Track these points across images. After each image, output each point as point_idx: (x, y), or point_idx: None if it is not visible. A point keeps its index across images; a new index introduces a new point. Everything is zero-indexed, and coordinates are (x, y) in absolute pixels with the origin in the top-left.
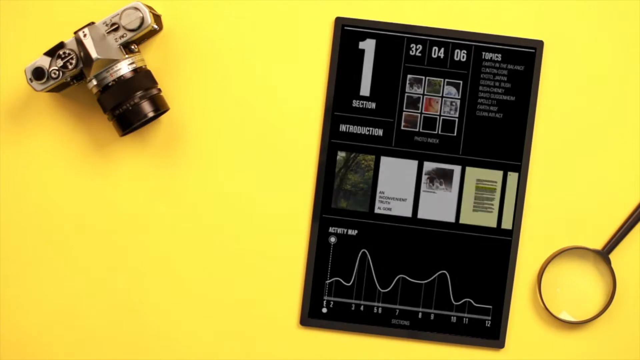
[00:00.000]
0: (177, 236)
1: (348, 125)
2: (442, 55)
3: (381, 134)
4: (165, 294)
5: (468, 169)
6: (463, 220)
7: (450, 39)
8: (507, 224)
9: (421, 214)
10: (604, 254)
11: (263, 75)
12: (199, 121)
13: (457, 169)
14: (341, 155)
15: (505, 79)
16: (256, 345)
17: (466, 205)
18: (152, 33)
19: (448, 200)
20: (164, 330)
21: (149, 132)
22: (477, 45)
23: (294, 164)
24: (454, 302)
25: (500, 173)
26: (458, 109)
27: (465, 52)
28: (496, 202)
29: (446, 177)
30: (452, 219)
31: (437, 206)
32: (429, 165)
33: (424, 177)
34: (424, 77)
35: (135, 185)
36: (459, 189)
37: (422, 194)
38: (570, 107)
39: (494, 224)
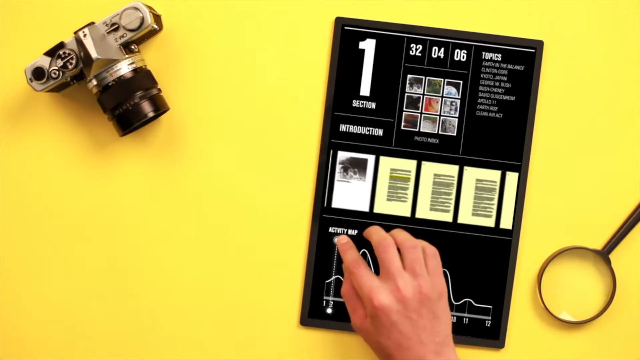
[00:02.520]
0: (177, 236)
1: (348, 125)
2: (442, 55)
3: (381, 134)
4: (166, 294)
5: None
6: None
7: (450, 39)
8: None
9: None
10: (604, 254)
11: (263, 75)
12: (199, 121)
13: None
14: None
15: (505, 79)
16: (256, 345)
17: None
18: (152, 33)
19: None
20: (164, 330)
21: (149, 132)
22: (477, 45)
23: (294, 164)
24: (454, 302)
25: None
26: (458, 109)
27: (465, 52)
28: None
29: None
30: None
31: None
32: (343, 155)
33: (339, 168)
34: (424, 77)
35: (135, 185)
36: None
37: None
38: (570, 107)
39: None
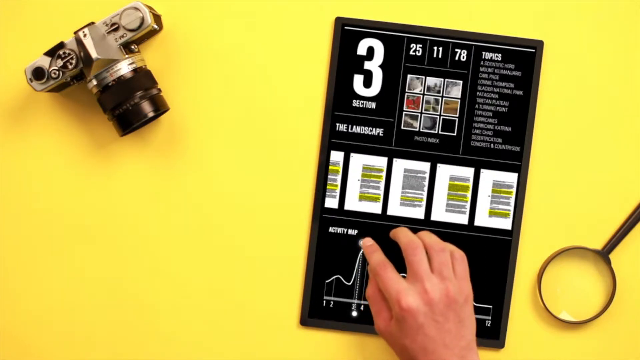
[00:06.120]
0: (177, 236)
1: (348, 125)
2: (442, 55)
3: (381, 134)
4: (166, 294)
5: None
6: (477, 222)
7: (450, 39)
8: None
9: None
10: (604, 254)
11: (263, 75)
12: (199, 121)
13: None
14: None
15: (505, 78)
16: (256, 345)
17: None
18: (152, 33)
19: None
20: (164, 330)
21: (149, 132)
22: (477, 45)
23: (294, 164)
24: None
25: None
26: (458, 109)
27: (465, 52)
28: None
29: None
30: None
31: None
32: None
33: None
34: (424, 77)
35: (135, 185)
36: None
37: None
38: (570, 107)
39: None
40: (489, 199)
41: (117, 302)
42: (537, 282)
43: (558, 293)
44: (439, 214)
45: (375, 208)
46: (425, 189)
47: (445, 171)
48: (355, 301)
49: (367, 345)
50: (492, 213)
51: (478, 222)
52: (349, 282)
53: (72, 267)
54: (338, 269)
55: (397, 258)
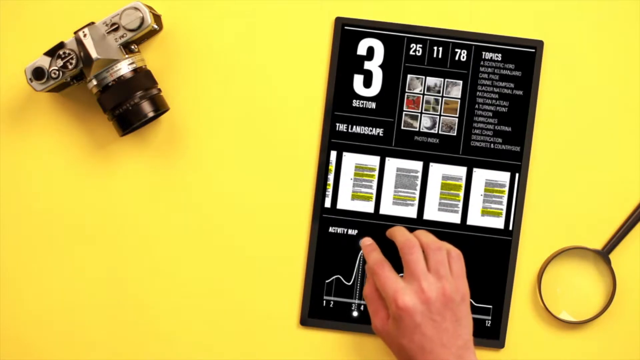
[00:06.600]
0: (177, 236)
1: (348, 125)
2: (442, 55)
3: (381, 134)
4: (166, 294)
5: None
6: (470, 221)
7: (450, 39)
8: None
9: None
10: (604, 254)
11: (263, 75)
12: (199, 121)
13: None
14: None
15: (505, 78)
16: (256, 345)
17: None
18: (152, 33)
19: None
20: (164, 330)
21: (149, 132)
22: (477, 45)
23: (294, 164)
24: None
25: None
26: (458, 109)
27: (465, 52)
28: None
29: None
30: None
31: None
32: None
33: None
34: (424, 77)
35: (135, 185)
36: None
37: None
38: (570, 107)
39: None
40: (481, 198)
41: (117, 302)
42: (537, 282)
43: (558, 293)
44: (432, 213)
45: (368, 207)
46: (418, 188)
47: (438, 170)
48: (356, 301)
49: (367, 345)
50: (485, 212)
51: (470, 221)
52: (349, 282)
53: (72, 267)
54: (338, 269)
55: (394, 257)
